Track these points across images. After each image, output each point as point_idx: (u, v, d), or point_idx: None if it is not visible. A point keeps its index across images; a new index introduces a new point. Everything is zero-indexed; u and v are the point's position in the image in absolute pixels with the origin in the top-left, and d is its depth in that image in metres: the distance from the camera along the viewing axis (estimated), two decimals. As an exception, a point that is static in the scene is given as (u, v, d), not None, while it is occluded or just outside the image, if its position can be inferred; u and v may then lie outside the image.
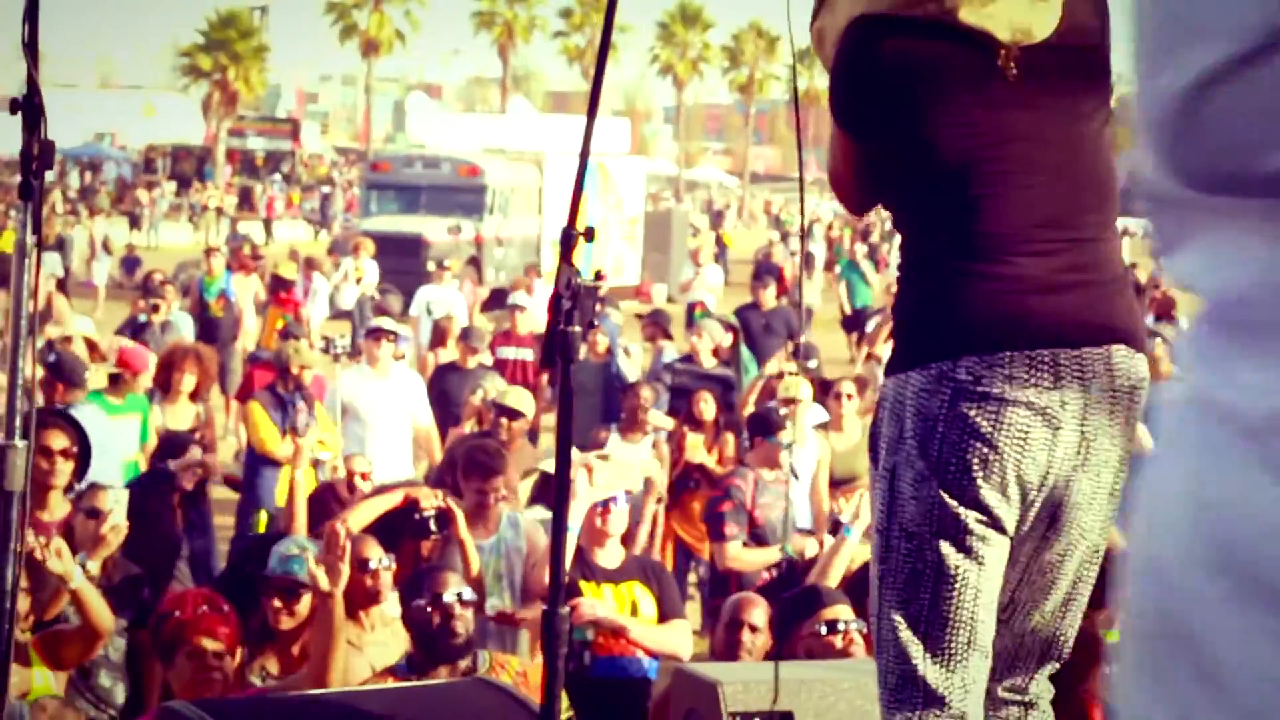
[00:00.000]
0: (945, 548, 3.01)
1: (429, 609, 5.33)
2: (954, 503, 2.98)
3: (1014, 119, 3.00)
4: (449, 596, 5.36)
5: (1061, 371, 2.96)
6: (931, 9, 2.95)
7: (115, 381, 9.56)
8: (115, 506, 6.03)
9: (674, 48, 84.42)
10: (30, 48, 3.16)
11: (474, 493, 7.04)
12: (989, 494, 2.98)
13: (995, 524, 3.01)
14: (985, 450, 2.94)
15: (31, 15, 3.15)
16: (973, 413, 2.93)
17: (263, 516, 9.06)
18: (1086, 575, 3.19)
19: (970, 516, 2.99)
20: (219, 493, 10.69)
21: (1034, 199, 3.01)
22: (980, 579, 3.05)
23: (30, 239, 3.00)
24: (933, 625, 3.07)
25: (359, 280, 20.80)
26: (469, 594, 5.49)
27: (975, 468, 2.95)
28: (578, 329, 3.13)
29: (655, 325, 13.69)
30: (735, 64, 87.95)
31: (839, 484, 9.40)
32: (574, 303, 3.14)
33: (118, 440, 8.65)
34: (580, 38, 79.81)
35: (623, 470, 6.76)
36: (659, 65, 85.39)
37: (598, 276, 3.19)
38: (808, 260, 32.52)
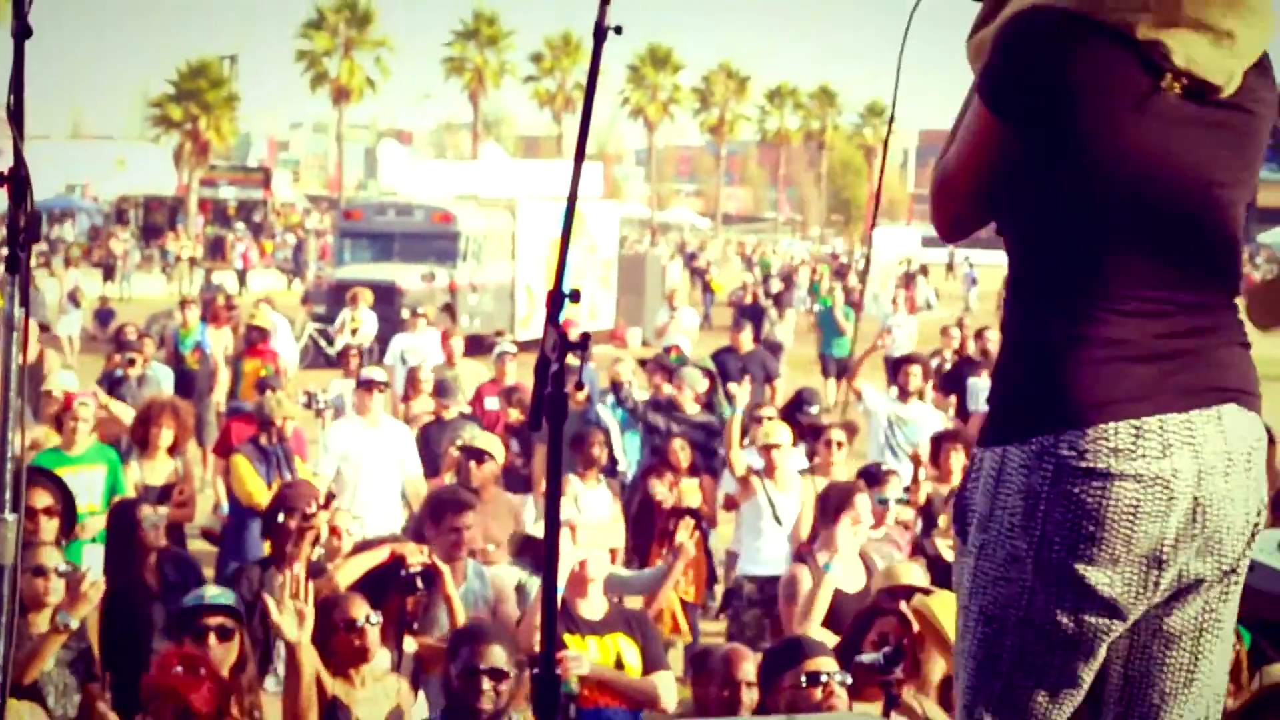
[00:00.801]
0: (1027, 634, 2.89)
1: (485, 679, 5.33)
2: (1048, 589, 2.85)
3: (1148, 162, 2.84)
4: (502, 667, 5.37)
5: (1170, 439, 2.82)
6: (1114, 17, 2.80)
7: (60, 426, 9.44)
8: (93, 563, 5.97)
9: (644, 90, 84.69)
10: (15, 117, 3.13)
11: (449, 530, 7.05)
12: (1094, 573, 2.82)
13: (1098, 607, 2.86)
14: (1092, 529, 2.80)
15: (17, 85, 3.11)
16: (1078, 490, 2.80)
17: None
18: (1209, 651, 3.00)
19: (1064, 606, 2.85)
20: (195, 545, 10.65)
21: (1146, 254, 2.86)
22: (1062, 672, 2.91)
23: (19, 312, 2.99)
24: (1000, 713, 2.96)
25: (354, 331, 20.66)
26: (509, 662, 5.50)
27: (1081, 546, 2.81)
28: (566, 392, 3.11)
29: (660, 370, 13.71)
30: (706, 105, 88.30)
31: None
32: (561, 365, 3.13)
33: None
34: (551, 82, 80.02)
35: (604, 530, 6.82)
36: (629, 108, 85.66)
37: (584, 338, 3.15)
38: (778, 300, 32.53)
